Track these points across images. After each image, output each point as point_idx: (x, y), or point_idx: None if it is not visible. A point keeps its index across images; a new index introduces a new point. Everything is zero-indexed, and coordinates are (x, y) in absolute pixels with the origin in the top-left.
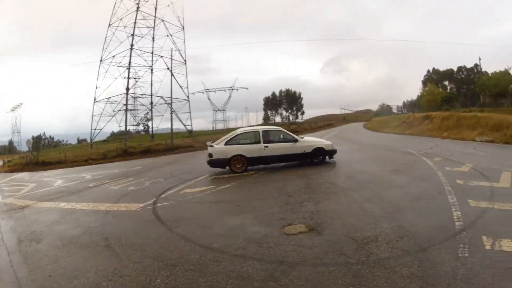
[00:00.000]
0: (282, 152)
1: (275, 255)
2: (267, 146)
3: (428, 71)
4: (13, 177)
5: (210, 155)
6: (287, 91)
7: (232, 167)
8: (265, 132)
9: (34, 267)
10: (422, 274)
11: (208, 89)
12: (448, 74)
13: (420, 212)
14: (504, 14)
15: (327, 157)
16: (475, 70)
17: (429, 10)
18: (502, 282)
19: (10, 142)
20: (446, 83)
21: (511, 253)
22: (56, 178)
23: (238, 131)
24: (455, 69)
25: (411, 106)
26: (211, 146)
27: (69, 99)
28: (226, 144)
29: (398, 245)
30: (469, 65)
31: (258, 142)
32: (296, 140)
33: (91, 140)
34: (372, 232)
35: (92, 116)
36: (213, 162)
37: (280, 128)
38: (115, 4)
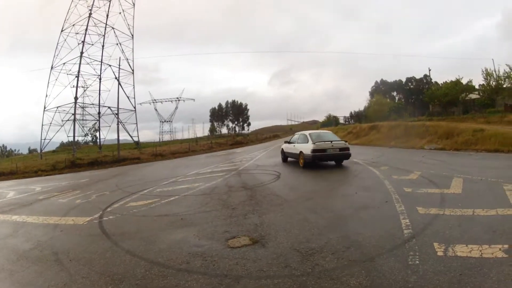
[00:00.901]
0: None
1: (219, 268)
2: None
3: (376, 82)
4: None
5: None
6: (233, 102)
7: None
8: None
9: None
10: (370, 284)
11: (155, 100)
12: (396, 85)
13: (367, 222)
14: (454, 26)
15: None
16: (425, 81)
17: (379, 23)
18: (458, 287)
19: None
20: (395, 93)
21: (466, 258)
22: (9, 190)
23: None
24: (404, 80)
25: (358, 116)
26: (314, 143)
27: (21, 107)
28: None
29: (344, 256)
30: (419, 76)
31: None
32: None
33: (41, 150)
34: (317, 243)
35: (42, 125)
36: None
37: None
38: (69, 9)
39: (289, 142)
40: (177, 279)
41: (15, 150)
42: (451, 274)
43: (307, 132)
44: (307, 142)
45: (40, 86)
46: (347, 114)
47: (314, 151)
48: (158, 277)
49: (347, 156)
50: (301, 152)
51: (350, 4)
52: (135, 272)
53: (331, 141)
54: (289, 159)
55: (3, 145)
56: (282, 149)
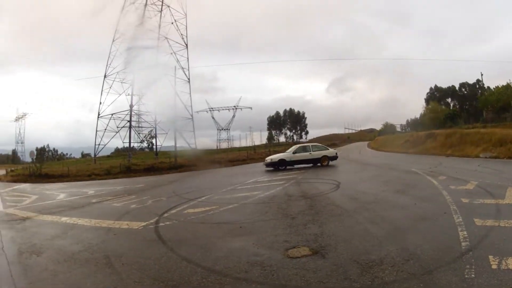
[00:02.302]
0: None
1: (278, 278)
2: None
3: (431, 88)
4: (16, 187)
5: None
6: (291, 110)
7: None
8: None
9: (35, 279)
10: None
11: (212, 108)
12: (451, 91)
13: (425, 233)
14: (504, 28)
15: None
16: (477, 86)
17: (431, 27)
18: None
19: (14, 152)
20: (449, 100)
21: None
22: (59, 192)
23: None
24: (457, 85)
25: (414, 124)
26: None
27: (74, 113)
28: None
29: (404, 268)
30: (471, 81)
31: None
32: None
33: (94, 155)
34: (377, 255)
35: (96, 131)
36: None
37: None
38: (119, 19)
39: (295, 152)
40: None
41: (66, 154)
42: None
43: (311, 144)
44: (328, 149)
45: (93, 94)
46: (404, 122)
47: (336, 153)
48: (215, 285)
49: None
50: (325, 156)
51: (400, 10)
52: (190, 279)
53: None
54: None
55: (53, 149)
56: (284, 159)
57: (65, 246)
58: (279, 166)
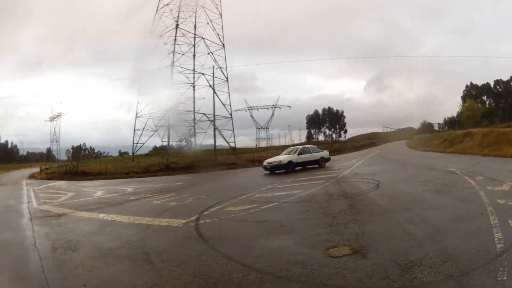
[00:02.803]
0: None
1: (319, 277)
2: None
3: (467, 86)
4: (51, 184)
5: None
6: (329, 109)
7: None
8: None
9: (69, 275)
10: None
11: (251, 107)
12: (486, 89)
13: (463, 234)
14: None
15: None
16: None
17: (464, 23)
18: None
19: (48, 150)
20: (485, 97)
21: None
22: (96, 189)
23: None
24: (491, 82)
25: (451, 123)
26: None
27: (110, 112)
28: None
29: (441, 269)
30: (505, 77)
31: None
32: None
33: (133, 153)
34: (416, 256)
35: (134, 130)
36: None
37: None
38: (153, 21)
39: (300, 154)
40: (275, 286)
41: (103, 152)
42: None
43: (309, 146)
44: (322, 151)
45: (129, 93)
46: (441, 120)
47: (329, 155)
48: (256, 283)
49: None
50: (322, 157)
51: (435, 6)
52: (231, 277)
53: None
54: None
55: (90, 147)
56: (292, 161)
57: (103, 242)
58: (287, 169)
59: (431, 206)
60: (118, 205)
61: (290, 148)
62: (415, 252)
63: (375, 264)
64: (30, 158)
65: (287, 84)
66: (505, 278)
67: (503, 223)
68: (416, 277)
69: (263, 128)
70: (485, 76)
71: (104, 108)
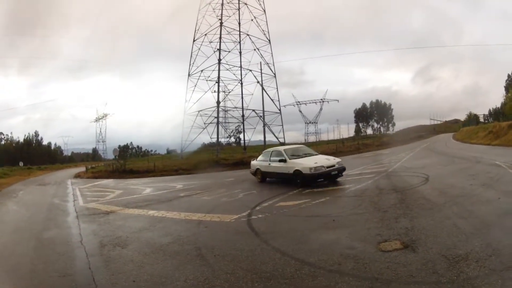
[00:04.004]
0: (279, 170)
1: (371, 271)
2: (269, 164)
3: (509, 75)
4: (97, 183)
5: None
6: (377, 102)
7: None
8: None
9: (117, 271)
10: None
11: (299, 102)
12: None
13: (508, 229)
14: None
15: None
16: None
17: (506, 10)
18: None
19: (94, 150)
20: None
21: None
22: (145, 186)
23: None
24: None
25: (496, 114)
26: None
27: (157, 110)
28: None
29: (486, 264)
30: None
31: (266, 160)
32: (284, 161)
33: (181, 150)
34: (463, 250)
35: (183, 128)
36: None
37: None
38: (197, 20)
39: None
40: (328, 280)
41: (151, 150)
42: None
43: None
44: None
45: (176, 92)
46: (486, 112)
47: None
48: (308, 277)
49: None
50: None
51: None
52: (284, 271)
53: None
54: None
55: (137, 146)
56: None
57: (153, 238)
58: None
59: (478, 200)
60: (168, 202)
61: (286, 147)
62: (462, 247)
63: (424, 258)
64: (75, 158)
65: (335, 77)
66: None
67: None
68: (463, 271)
69: (312, 123)
70: None
71: (151, 107)
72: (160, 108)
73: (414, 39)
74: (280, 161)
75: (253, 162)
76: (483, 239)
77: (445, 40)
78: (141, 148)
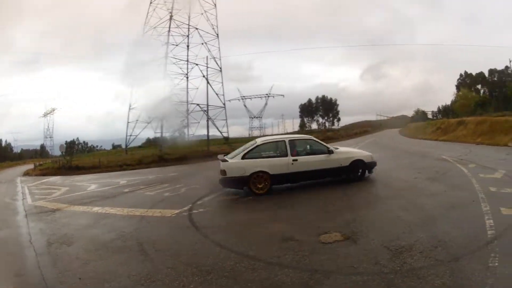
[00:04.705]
0: (315, 167)
1: (310, 263)
2: (296, 160)
3: (461, 74)
4: (45, 180)
5: (223, 172)
6: (323, 97)
7: (252, 187)
8: (292, 142)
9: (64, 269)
10: (453, 284)
11: (244, 96)
12: (480, 78)
13: (454, 221)
14: None
15: (366, 171)
16: (506, 72)
17: (464, 13)
18: None
19: (42, 147)
20: (479, 86)
21: None
22: (90, 183)
23: (259, 141)
24: (486, 72)
25: (445, 111)
26: (225, 160)
27: (103, 105)
28: (243, 158)
29: (432, 255)
30: (501, 67)
31: (285, 155)
32: (331, 152)
33: (126, 146)
34: (407, 241)
35: (128, 122)
36: (227, 182)
37: (310, 137)
38: (147, 13)
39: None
40: (267, 272)
41: (97, 146)
42: None
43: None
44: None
45: (123, 85)
46: (435, 109)
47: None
48: (248, 270)
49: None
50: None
51: None
52: (224, 265)
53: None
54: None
55: (83, 142)
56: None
57: (97, 235)
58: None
59: (423, 193)
60: (112, 198)
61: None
62: (406, 238)
63: (366, 249)
64: (25, 155)
65: (282, 73)
66: (496, 264)
67: (494, 210)
68: (406, 262)
69: (256, 118)
70: (481, 65)
71: (97, 102)
72: (107, 102)
73: (366, 37)
74: (318, 153)
75: (238, 164)
76: (428, 231)
77: (397, 39)
78: (87, 143)
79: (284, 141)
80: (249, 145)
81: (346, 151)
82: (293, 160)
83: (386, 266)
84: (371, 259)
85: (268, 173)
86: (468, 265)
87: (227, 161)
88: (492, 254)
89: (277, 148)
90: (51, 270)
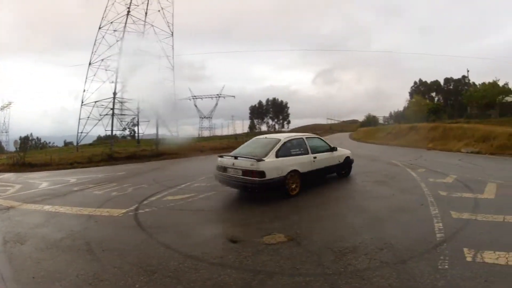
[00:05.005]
0: (327, 163)
1: (253, 264)
2: (315, 158)
3: (415, 82)
4: (0, 177)
5: (261, 174)
6: (274, 100)
7: (288, 188)
8: (308, 140)
9: (19, 268)
10: (400, 286)
11: (195, 96)
12: (435, 86)
13: (401, 224)
14: (494, 27)
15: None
16: (463, 82)
17: (421, 22)
18: None
19: None
20: (433, 94)
21: (493, 265)
22: (42, 181)
23: (283, 138)
24: (441, 80)
25: (397, 117)
26: (260, 160)
27: (58, 101)
28: (277, 156)
29: (377, 257)
30: (457, 76)
31: (307, 153)
32: (334, 149)
33: (77, 143)
34: (351, 243)
35: (79, 119)
36: (264, 185)
37: (316, 135)
38: (106, 7)
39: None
40: (210, 273)
41: (49, 142)
42: (477, 280)
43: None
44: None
45: (77, 81)
46: (387, 114)
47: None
48: (191, 270)
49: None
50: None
51: (392, 4)
52: (168, 265)
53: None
54: None
55: (37, 138)
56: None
57: (48, 234)
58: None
59: (371, 196)
60: (62, 196)
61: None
62: (350, 240)
63: (309, 251)
64: None
65: (234, 74)
66: (446, 267)
67: (444, 213)
68: (351, 264)
69: (207, 118)
70: (437, 74)
71: (54, 97)
72: (62, 98)
73: (319, 42)
74: (327, 151)
75: (276, 163)
76: (374, 233)
77: (351, 45)
78: (40, 139)
79: (303, 138)
80: (273, 142)
81: (339, 148)
82: (314, 157)
83: (329, 268)
84: (314, 260)
85: (298, 171)
86: (416, 267)
87: (263, 160)
88: (442, 256)
89: (300, 146)
90: (8, 269)
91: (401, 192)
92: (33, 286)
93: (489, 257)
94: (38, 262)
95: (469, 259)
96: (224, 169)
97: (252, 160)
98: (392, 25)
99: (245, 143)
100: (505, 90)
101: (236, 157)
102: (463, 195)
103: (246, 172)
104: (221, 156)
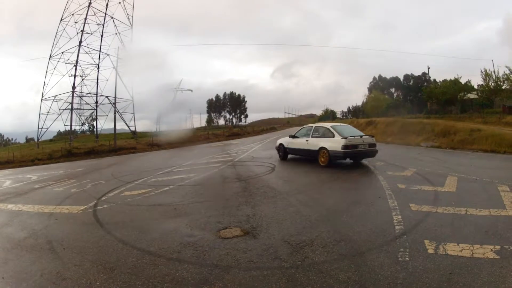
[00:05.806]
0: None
1: (210, 258)
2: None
3: (374, 78)
4: None
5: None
6: (231, 94)
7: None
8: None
9: None
10: (359, 279)
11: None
12: (395, 82)
13: (359, 216)
14: (455, 26)
15: None
16: (423, 79)
17: (381, 20)
18: (448, 286)
19: None
20: (393, 90)
21: (456, 257)
22: (5, 179)
23: (332, 124)
24: (401, 77)
25: (356, 111)
26: (345, 137)
27: (20, 96)
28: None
29: (335, 249)
30: (417, 73)
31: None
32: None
33: (37, 139)
34: (308, 236)
35: (39, 114)
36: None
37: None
38: None
39: (294, 136)
40: (168, 268)
41: (12, 139)
42: (441, 273)
43: (328, 125)
44: (333, 137)
45: (39, 75)
46: (345, 109)
47: (346, 147)
48: (149, 266)
49: (375, 153)
50: (322, 148)
51: (353, 1)
52: (126, 261)
53: (361, 136)
54: (290, 156)
55: (0, 134)
56: (281, 144)
57: (12, 233)
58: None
59: (327, 190)
60: (24, 194)
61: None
62: (307, 233)
63: (265, 244)
64: None
65: (193, 67)
66: (407, 258)
67: (403, 206)
68: (308, 257)
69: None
70: (397, 70)
71: (13, 92)
72: (24, 93)
73: (278, 37)
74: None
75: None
76: (331, 226)
77: (310, 40)
78: (3, 136)
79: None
80: (332, 128)
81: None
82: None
83: (286, 261)
84: (271, 253)
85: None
86: (375, 259)
87: (346, 138)
88: (402, 249)
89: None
90: None
91: (358, 185)
92: (3, 286)
93: (453, 249)
94: (5, 262)
95: (431, 251)
96: (355, 146)
97: (344, 138)
98: (352, 22)
99: (341, 128)
100: (467, 87)
101: (361, 136)
102: (422, 188)
103: (372, 145)
104: (345, 138)
